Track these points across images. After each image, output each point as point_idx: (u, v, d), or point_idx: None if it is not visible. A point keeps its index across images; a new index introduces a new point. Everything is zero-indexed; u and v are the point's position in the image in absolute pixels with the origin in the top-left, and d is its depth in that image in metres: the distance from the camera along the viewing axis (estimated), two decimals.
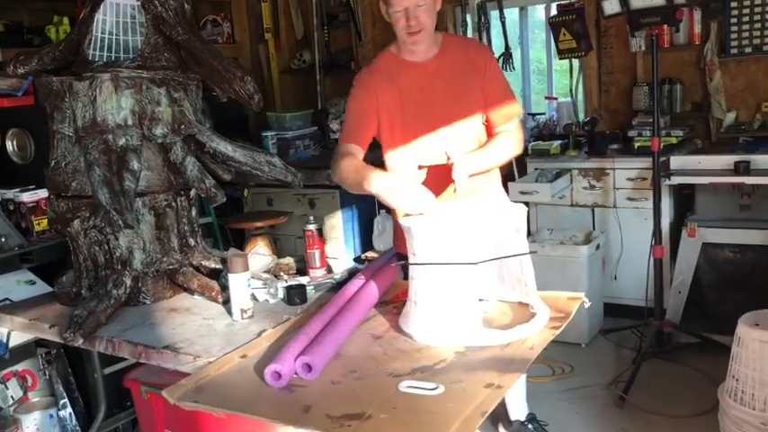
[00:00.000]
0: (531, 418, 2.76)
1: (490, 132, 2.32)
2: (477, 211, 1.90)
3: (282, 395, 1.48)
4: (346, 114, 2.39)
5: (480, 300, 1.83)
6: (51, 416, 2.67)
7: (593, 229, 3.91)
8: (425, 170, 2.03)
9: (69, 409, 2.68)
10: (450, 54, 2.29)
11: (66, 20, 4.06)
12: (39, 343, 2.64)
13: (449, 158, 2.08)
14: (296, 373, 1.54)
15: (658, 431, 2.81)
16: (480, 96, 2.27)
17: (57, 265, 2.65)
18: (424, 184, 2.18)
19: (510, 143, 2.27)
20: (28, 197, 2.82)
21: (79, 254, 2.19)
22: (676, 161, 3.48)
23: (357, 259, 4.32)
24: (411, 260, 1.76)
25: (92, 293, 2.09)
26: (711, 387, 2.95)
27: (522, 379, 2.71)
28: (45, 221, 2.74)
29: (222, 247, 4.37)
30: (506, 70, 4.42)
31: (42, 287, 2.54)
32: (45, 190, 2.71)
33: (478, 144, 2.28)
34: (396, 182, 1.93)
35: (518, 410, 2.75)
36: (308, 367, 1.52)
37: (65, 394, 2.69)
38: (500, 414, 2.83)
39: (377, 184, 1.96)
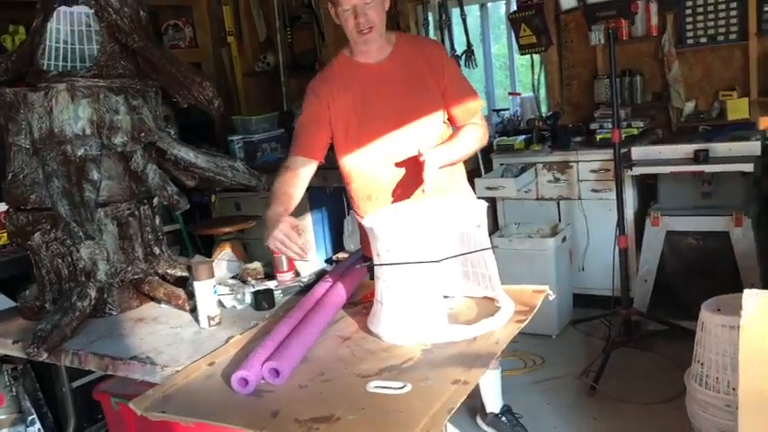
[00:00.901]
0: (506, 410, 2.79)
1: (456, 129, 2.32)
2: (438, 208, 1.91)
3: (250, 401, 1.48)
4: (296, 124, 2.34)
5: (446, 296, 1.85)
6: None
7: (559, 221, 3.95)
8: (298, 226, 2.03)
9: (38, 425, 2.65)
10: (405, 53, 2.26)
11: (22, 29, 3.99)
12: (4, 359, 2.59)
13: (420, 155, 2.07)
14: (263, 379, 1.53)
15: (629, 419, 2.85)
16: (438, 95, 2.25)
17: (18, 279, 2.61)
18: (387, 182, 2.24)
19: (474, 135, 2.27)
20: None
21: (41, 267, 2.16)
22: (638, 152, 3.54)
23: (329, 261, 4.32)
24: (375, 261, 1.77)
25: (56, 306, 2.06)
26: (679, 373, 2.99)
27: (497, 373, 2.75)
28: (4, 236, 2.69)
29: (191, 255, 4.33)
30: (469, 68, 4.45)
31: (4, 302, 2.49)
32: (2, 204, 2.67)
33: (440, 142, 2.26)
34: (281, 234, 1.96)
35: (493, 403, 2.78)
36: (276, 372, 1.52)
37: (33, 410, 2.65)
38: (477, 407, 2.86)
39: (270, 242, 2.00)
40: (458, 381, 1.46)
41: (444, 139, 2.26)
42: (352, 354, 1.68)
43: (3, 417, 2.68)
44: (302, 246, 1.97)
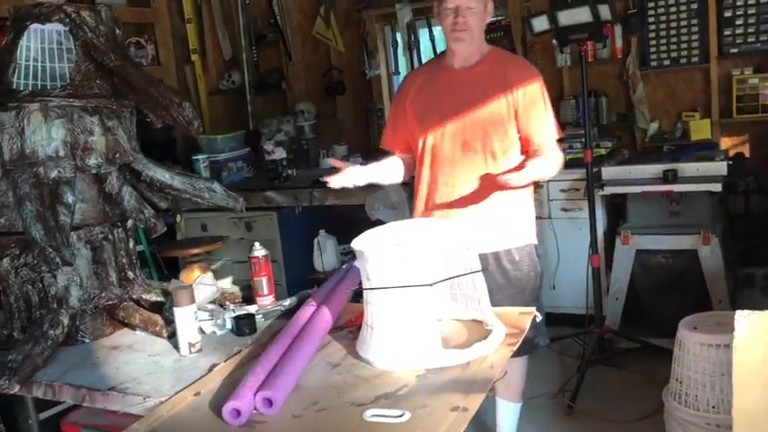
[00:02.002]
0: None
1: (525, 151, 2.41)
2: (426, 230, 1.89)
3: None
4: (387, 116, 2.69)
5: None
6: None
7: None
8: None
9: None
10: (488, 66, 2.37)
11: None
12: None
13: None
14: (255, 409, 1.48)
15: None
16: (507, 114, 2.33)
17: None
18: (434, 188, 2.45)
19: (542, 165, 2.35)
20: None
21: (10, 294, 2.06)
22: (608, 172, 3.59)
23: (297, 282, 4.25)
24: (366, 284, 1.74)
25: (26, 335, 1.97)
26: (653, 389, 3.03)
27: (516, 408, 2.67)
28: None
29: (156, 277, 4.22)
30: None
31: None
32: None
33: (490, 157, 2.36)
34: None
35: None
36: (269, 402, 1.47)
37: None
38: None
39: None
40: (457, 407, 1.44)
41: (496, 155, 2.36)
42: (344, 381, 1.64)
43: None
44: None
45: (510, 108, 2.34)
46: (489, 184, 2.32)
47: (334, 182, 2.41)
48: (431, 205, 2.48)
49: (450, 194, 2.41)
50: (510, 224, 2.43)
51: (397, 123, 2.55)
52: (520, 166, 2.32)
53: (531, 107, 2.35)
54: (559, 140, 2.47)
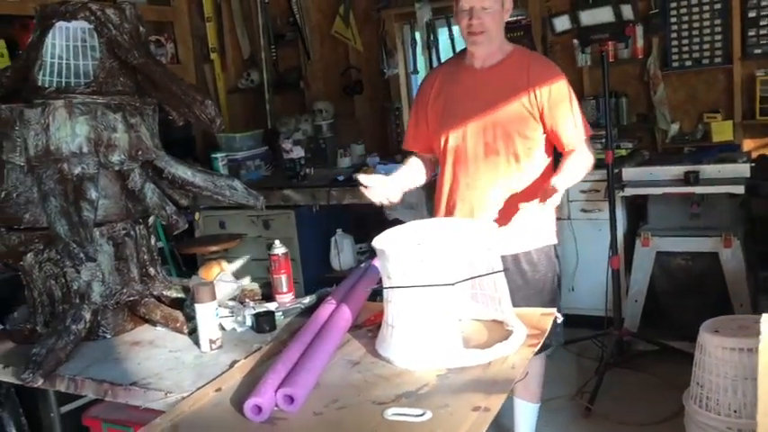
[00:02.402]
0: None
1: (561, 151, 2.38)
2: (448, 229, 1.89)
3: (264, 429, 1.43)
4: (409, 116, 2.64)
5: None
6: None
7: None
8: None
9: None
10: (509, 66, 2.34)
11: (2, 42, 3.90)
12: None
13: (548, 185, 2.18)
14: (277, 406, 1.48)
15: None
16: (530, 113, 2.30)
17: (5, 301, 2.52)
18: (455, 188, 2.44)
19: (578, 163, 2.32)
20: None
21: (33, 289, 2.08)
22: (628, 173, 3.57)
23: (315, 280, 4.26)
24: (386, 283, 1.74)
25: (49, 330, 1.99)
26: (673, 392, 3.02)
27: (534, 408, 2.65)
28: None
29: (175, 274, 4.25)
30: None
31: None
32: None
33: (513, 158, 2.34)
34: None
35: None
36: (290, 399, 1.47)
37: None
38: None
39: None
40: (478, 407, 1.43)
41: (518, 156, 2.34)
42: (364, 379, 1.64)
43: None
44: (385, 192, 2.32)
45: (534, 108, 2.31)
46: (531, 195, 2.29)
47: (374, 197, 2.37)
48: (452, 205, 2.47)
49: (472, 196, 2.40)
50: (530, 226, 2.38)
51: (419, 124, 2.54)
52: (557, 169, 2.29)
53: (556, 106, 2.31)
54: (588, 138, 2.43)
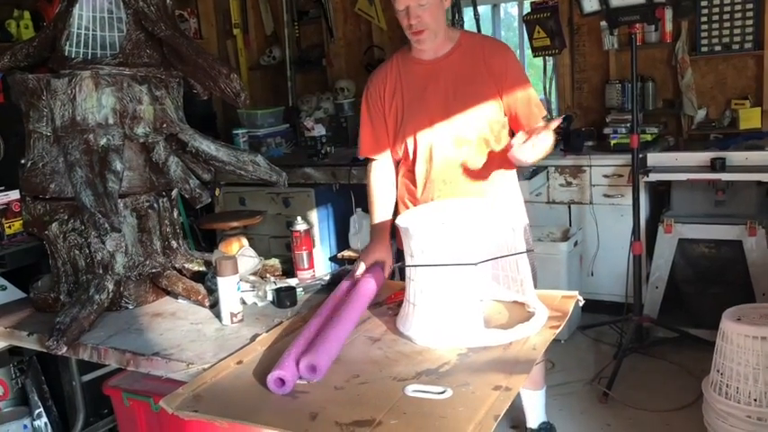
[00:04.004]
0: (543, 427, 2.68)
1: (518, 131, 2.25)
2: (473, 209, 1.88)
3: (285, 402, 1.44)
4: (360, 121, 2.41)
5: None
6: (26, 426, 2.57)
7: (570, 225, 3.93)
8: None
9: (45, 419, 2.59)
10: (463, 53, 2.26)
11: (27, 14, 3.92)
12: (11, 351, 2.53)
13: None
14: (300, 377, 1.49)
15: (643, 425, 2.83)
16: (493, 95, 2.23)
17: (28, 269, 2.55)
18: (431, 187, 2.31)
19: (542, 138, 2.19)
20: None
21: (57, 258, 2.10)
22: (653, 158, 3.52)
23: (333, 258, 4.27)
24: (408, 261, 1.73)
25: (73, 299, 2.01)
26: (691, 380, 3.00)
27: (539, 394, 2.65)
28: (17, 224, 2.62)
29: (193, 248, 4.28)
30: None
31: (14, 293, 2.43)
32: (16, 191, 2.61)
33: (484, 144, 2.27)
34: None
35: (534, 419, 2.68)
36: (313, 368, 1.48)
37: (40, 404, 2.59)
38: (516, 419, 2.80)
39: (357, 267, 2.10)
40: (499, 387, 1.43)
41: (487, 140, 2.26)
42: (385, 356, 1.64)
43: (8, 410, 2.62)
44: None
45: (495, 90, 2.23)
46: (498, 161, 2.25)
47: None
48: (426, 197, 2.33)
49: (451, 191, 2.28)
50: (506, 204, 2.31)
51: (376, 128, 2.35)
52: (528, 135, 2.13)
53: (515, 86, 2.24)
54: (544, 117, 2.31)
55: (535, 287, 1.89)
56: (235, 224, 3.93)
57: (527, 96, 2.27)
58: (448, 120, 2.24)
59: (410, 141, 2.29)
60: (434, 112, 2.25)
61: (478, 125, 2.24)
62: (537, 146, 2.02)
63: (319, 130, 4.41)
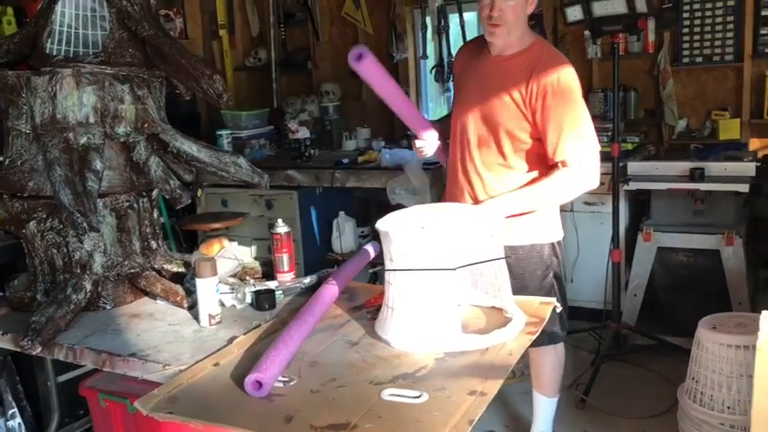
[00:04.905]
0: None
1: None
2: (452, 215, 1.89)
3: (261, 405, 1.44)
4: None
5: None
6: None
7: None
8: None
9: (19, 419, 2.56)
10: (522, 61, 2.22)
11: (9, 10, 3.89)
12: None
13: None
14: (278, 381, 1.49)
15: None
16: (519, 112, 2.20)
17: (5, 268, 2.53)
18: (453, 173, 2.45)
19: (552, 186, 2.20)
20: None
21: (35, 257, 2.09)
22: (633, 167, 3.56)
23: (315, 261, 4.27)
24: (388, 265, 1.74)
25: (50, 298, 1.99)
26: (668, 388, 3.03)
27: (549, 402, 2.63)
28: None
29: (175, 249, 4.25)
30: None
31: None
32: None
33: (501, 156, 2.29)
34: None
35: (540, 426, 2.67)
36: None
37: (14, 404, 2.56)
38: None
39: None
40: (475, 392, 1.44)
41: (507, 152, 2.28)
42: (362, 359, 1.64)
43: None
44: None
45: (527, 107, 2.18)
46: (517, 181, 2.30)
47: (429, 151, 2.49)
48: (450, 191, 2.47)
49: (466, 185, 2.37)
50: (521, 221, 2.28)
51: (455, 95, 2.53)
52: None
53: (549, 108, 2.13)
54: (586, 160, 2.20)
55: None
56: (216, 225, 3.92)
57: (554, 122, 2.14)
58: (478, 117, 2.31)
59: (452, 122, 2.43)
60: (472, 105, 2.32)
61: (498, 134, 2.27)
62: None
63: (303, 133, 4.41)
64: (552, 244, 2.41)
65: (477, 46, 2.40)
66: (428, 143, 2.46)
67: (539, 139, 2.22)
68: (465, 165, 2.38)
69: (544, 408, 2.63)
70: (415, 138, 2.48)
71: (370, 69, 2.16)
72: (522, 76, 2.19)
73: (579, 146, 2.17)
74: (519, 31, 2.23)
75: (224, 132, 4.65)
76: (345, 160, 4.17)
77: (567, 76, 2.17)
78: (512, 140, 2.25)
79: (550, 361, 2.53)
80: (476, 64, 2.36)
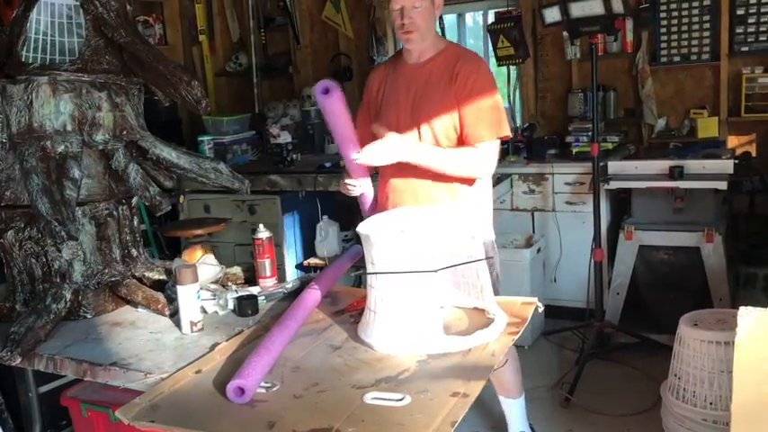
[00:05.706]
0: None
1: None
2: (434, 218, 1.89)
3: (243, 411, 1.44)
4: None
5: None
6: None
7: (534, 232, 3.98)
8: None
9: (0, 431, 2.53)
10: (440, 62, 2.34)
11: None
12: None
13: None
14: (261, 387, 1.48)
15: (604, 430, 2.87)
16: (450, 107, 2.28)
17: None
18: (390, 186, 2.41)
19: (463, 156, 2.27)
20: None
21: (13, 267, 2.07)
22: (614, 166, 3.58)
23: (299, 266, 4.26)
24: (369, 269, 1.74)
25: (29, 308, 1.98)
26: (651, 385, 3.05)
27: (517, 402, 2.66)
28: None
29: (157, 256, 4.23)
30: None
31: None
32: None
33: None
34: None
35: (515, 427, 2.70)
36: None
37: None
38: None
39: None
40: (457, 393, 1.44)
41: (445, 147, 2.29)
42: (345, 363, 1.64)
43: None
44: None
45: (454, 101, 2.27)
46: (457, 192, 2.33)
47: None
48: (386, 199, 2.43)
49: (409, 197, 2.36)
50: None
51: (363, 121, 2.48)
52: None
53: (468, 101, 2.26)
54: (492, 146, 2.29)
55: (497, 294, 1.91)
56: (199, 232, 3.89)
57: (477, 106, 2.26)
58: (410, 122, 2.32)
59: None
60: (402, 113, 2.35)
61: (436, 132, 2.30)
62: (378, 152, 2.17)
63: (285, 138, 4.40)
64: (492, 241, 2.40)
65: (392, 63, 2.48)
66: (358, 188, 2.44)
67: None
68: (401, 172, 2.34)
69: (515, 409, 2.67)
70: (347, 175, 2.43)
71: (334, 105, 2.16)
72: (446, 73, 2.32)
73: (491, 137, 2.29)
74: (431, 36, 2.35)
75: (206, 138, 4.62)
76: (328, 164, 4.15)
77: (486, 70, 2.35)
78: (450, 137, 2.31)
79: (510, 364, 2.53)
80: (394, 77, 2.41)
